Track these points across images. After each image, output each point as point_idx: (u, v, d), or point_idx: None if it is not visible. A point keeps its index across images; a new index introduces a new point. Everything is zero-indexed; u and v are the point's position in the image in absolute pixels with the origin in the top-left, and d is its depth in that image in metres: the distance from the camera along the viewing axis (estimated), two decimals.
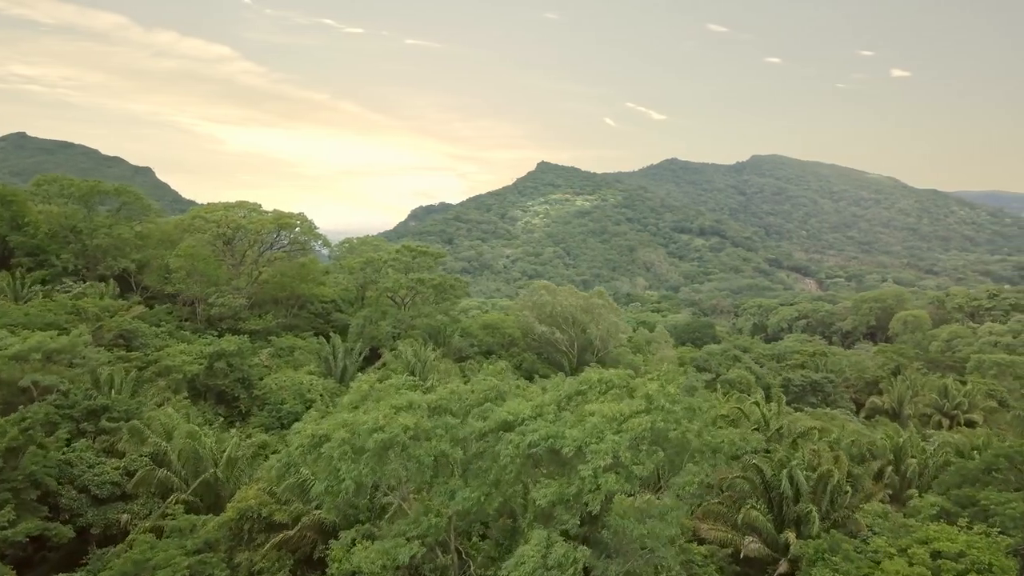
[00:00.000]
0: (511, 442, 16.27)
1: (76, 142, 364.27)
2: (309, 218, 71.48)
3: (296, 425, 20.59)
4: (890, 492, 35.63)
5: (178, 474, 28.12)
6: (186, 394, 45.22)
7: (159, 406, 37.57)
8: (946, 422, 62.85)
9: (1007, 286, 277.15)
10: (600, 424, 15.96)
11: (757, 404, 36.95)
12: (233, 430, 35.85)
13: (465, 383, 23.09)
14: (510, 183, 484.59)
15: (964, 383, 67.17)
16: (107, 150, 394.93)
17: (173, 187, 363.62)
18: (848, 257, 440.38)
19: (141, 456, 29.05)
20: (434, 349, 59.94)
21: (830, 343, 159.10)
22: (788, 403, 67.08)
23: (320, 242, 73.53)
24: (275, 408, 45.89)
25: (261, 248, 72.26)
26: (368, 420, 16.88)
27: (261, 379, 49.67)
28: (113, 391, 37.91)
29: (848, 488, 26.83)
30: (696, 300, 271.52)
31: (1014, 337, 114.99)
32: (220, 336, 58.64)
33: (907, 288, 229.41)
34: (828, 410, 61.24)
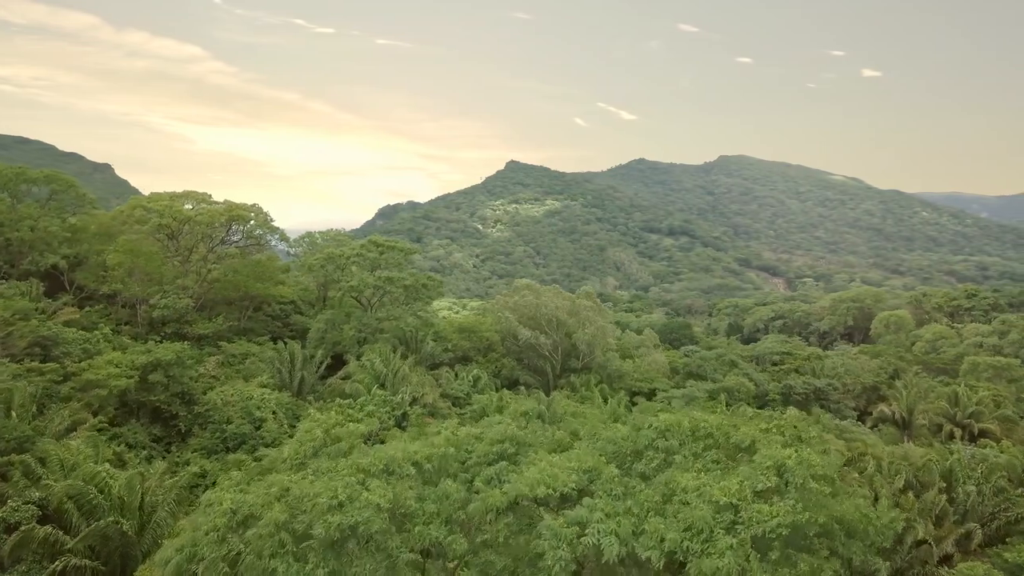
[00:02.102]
0: (563, 539, 10.25)
1: (37, 139, 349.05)
2: (265, 210, 64.51)
3: (207, 495, 14.27)
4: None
5: (74, 529, 21.48)
6: (111, 413, 38.33)
7: (68, 432, 30.67)
8: (958, 432, 58.48)
9: (971, 285, 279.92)
10: (706, 514, 10.20)
11: (796, 427, 31.45)
12: (160, 461, 29.03)
13: (463, 423, 16.83)
14: (479, 182, 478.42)
15: (974, 389, 63.05)
16: (78, 150, 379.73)
17: (134, 184, 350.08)
18: (816, 257, 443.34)
19: (27, 503, 22.36)
20: (404, 356, 53.59)
21: (807, 343, 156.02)
22: None
23: (277, 236, 66.52)
24: (219, 428, 39.17)
25: (211, 243, 65.12)
26: (322, 491, 10.79)
27: (205, 393, 42.88)
28: (14, 414, 30.95)
29: (932, 545, 21.35)
30: (668, 300, 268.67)
31: (1000, 338, 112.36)
32: (164, 341, 51.87)
33: (875, 288, 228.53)
34: (837, 421, 56.47)
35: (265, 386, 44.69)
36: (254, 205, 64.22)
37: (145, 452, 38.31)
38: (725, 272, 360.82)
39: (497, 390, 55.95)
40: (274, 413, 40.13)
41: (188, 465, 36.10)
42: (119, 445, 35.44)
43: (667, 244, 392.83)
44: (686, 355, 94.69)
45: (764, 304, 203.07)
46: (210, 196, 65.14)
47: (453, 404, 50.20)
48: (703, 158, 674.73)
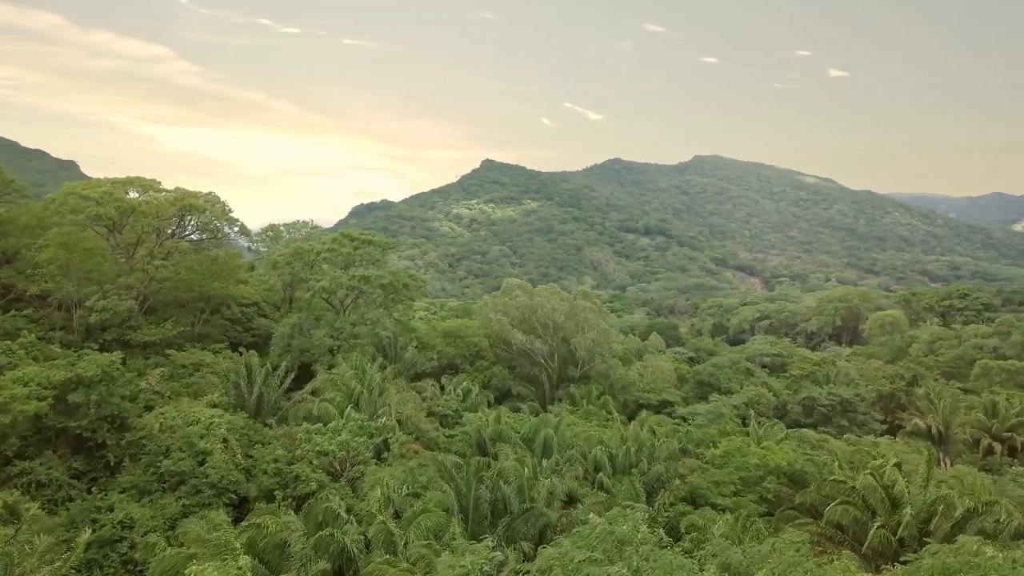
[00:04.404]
0: None
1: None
2: (223, 199, 56.78)
3: None
4: None
5: None
6: (15, 444, 30.67)
7: None
8: (998, 447, 53.01)
9: (939, 285, 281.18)
10: None
11: (898, 467, 24.98)
12: (44, 535, 21.61)
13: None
14: (454, 180, 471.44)
15: (1010, 400, 57.57)
16: (45, 149, 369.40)
17: None
18: (791, 257, 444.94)
19: None
20: (383, 366, 46.39)
21: (794, 344, 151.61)
22: (813, 427, 56.19)
23: (237, 229, 58.72)
24: (155, 460, 31.63)
25: (160, 237, 57.15)
26: None
27: (141, 415, 35.28)
28: None
29: None
30: (648, 300, 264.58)
31: (1001, 339, 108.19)
32: (102, 350, 44.35)
33: (863, 288, 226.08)
34: (872, 438, 50.47)
35: (216, 405, 37.15)
36: (209, 193, 56.50)
37: (61, 492, 30.73)
38: (702, 272, 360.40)
39: (489, 404, 49.03)
40: (225, 441, 32.64)
41: (112, 511, 28.64)
42: (20, 488, 27.91)
43: (643, 244, 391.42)
44: (680, 360, 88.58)
45: (749, 304, 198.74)
46: (159, 183, 57.18)
47: (440, 423, 43.11)
48: (675, 158, 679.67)
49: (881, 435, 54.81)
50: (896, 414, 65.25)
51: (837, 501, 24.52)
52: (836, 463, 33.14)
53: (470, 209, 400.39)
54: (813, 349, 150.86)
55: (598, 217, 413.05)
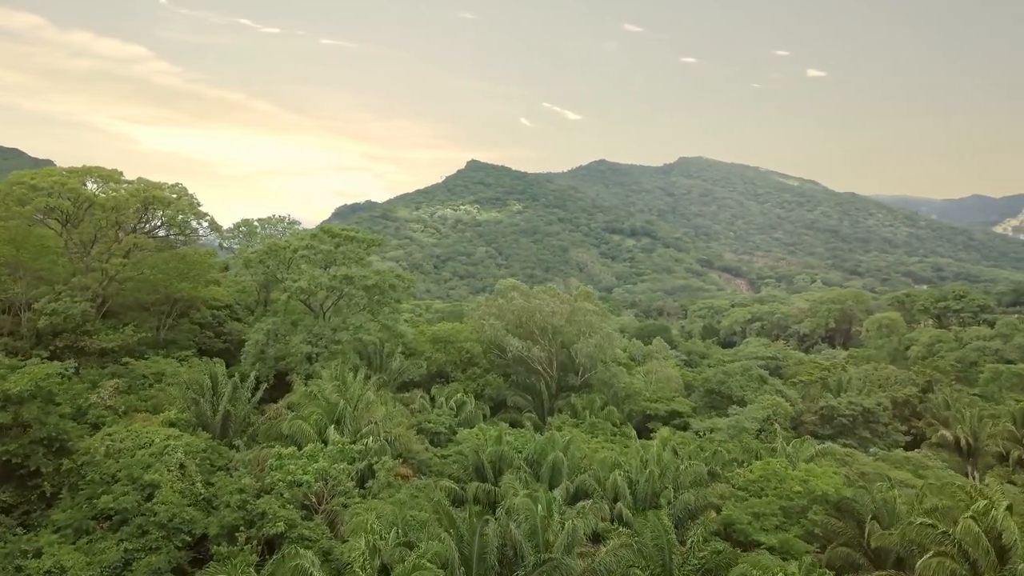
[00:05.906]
0: None
1: None
2: (190, 192, 51.76)
3: None
4: None
5: None
6: None
7: None
8: None
9: (925, 286, 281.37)
10: None
11: (1010, 510, 20.64)
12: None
13: None
14: (439, 181, 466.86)
15: None
16: (23, 149, 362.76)
17: None
18: (776, 258, 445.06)
19: None
20: (367, 375, 41.70)
21: (787, 347, 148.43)
22: (832, 438, 52.18)
23: (207, 225, 53.68)
24: (96, 492, 26.74)
25: (123, 232, 52.05)
26: None
27: (84, 437, 30.33)
28: None
29: None
30: (635, 301, 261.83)
31: (1004, 342, 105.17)
32: (54, 358, 39.76)
33: (857, 289, 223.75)
34: (902, 452, 46.50)
35: (175, 423, 32.24)
36: (176, 185, 51.49)
37: None
38: (687, 273, 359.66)
39: (485, 417, 44.47)
40: (182, 467, 27.80)
41: (39, 557, 23.78)
42: None
43: (629, 245, 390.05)
44: (676, 364, 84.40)
45: (740, 306, 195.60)
46: (120, 174, 52.07)
47: (431, 441, 38.45)
48: (660, 159, 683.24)
49: (908, 448, 50.99)
50: (912, 422, 61.53)
51: (931, 553, 20.26)
52: (892, 489, 28.92)
53: (455, 210, 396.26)
54: (806, 351, 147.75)
55: (584, 218, 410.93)
